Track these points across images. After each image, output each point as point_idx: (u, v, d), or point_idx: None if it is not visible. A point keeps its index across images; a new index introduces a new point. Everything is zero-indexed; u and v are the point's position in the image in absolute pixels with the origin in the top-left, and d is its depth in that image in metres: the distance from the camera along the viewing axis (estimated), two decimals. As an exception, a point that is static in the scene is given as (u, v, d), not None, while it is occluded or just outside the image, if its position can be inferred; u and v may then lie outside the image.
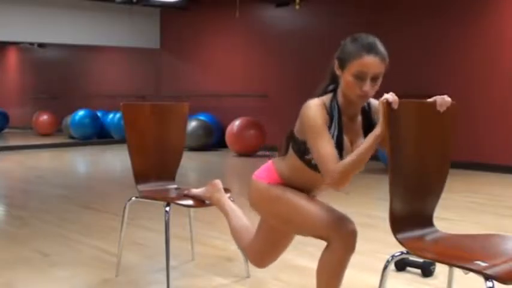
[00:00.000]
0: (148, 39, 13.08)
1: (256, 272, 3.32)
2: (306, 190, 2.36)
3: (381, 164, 7.58)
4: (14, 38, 12.59)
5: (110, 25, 12.49)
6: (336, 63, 2.18)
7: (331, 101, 2.19)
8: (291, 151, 2.31)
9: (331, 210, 2.22)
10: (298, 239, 3.25)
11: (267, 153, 9.89)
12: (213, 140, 10.87)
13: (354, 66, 2.10)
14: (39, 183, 7.23)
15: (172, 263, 3.47)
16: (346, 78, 2.13)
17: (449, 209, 5.00)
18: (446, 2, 8.21)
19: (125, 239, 3.33)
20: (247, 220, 2.76)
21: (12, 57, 19.63)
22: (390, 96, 1.97)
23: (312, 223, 2.21)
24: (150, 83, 13.58)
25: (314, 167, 2.24)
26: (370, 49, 2.10)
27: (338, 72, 2.18)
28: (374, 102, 2.26)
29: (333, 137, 2.15)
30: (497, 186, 6.66)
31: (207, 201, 2.99)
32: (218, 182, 2.98)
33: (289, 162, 2.33)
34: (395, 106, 1.96)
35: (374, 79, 2.11)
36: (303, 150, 2.24)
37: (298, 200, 2.27)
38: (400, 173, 2.04)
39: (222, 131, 10.97)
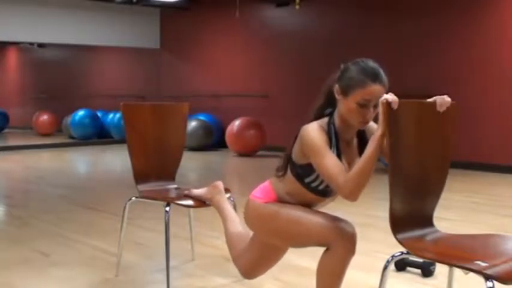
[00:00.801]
0: (148, 39, 13.08)
1: (256, 272, 3.32)
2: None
3: (380, 164, 7.58)
4: (14, 38, 12.59)
5: (110, 25, 12.49)
6: (338, 88, 2.16)
7: (328, 124, 2.19)
8: (289, 174, 2.30)
9: (328, 217, 2.21)
10: (298, 239, 3.23)
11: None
12: (213, 140, 10.87)
13: (358, 95, 2.10)
14: (39, 183, 7.23)
15: (172, 263, 3.47)
16: (348, 105, 2.13)
17: (449, 209, 5.00)
18: (446, 2, 8.21)
19: (125, 239, 3.33)
20: (243, 229, 2.74)
21: (12, 57, 19.63)
22: (390, 97, 1.97)
23: (311, 232, 2.20)
24: (150, 83, 13.58)
25: (314, 190, 2.26)
26: (375, 78, 2.10)
27: (338, 97, 2.17)
28: (372, 125, 2.26)
29: None
30: (497, 186, 6.66)
31: (207, 202, 2.99)
32: (220, 184, 2.98)
33: (288, 185, 2.33)
34: (395, 106, 1.96)
35: (376, 106, 2.10)
36: (301, 174, 2.25)
37: (296, 212, 2.27)
38: (400, 173, 2.04)
39: (222, 131, 10.97)
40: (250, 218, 2.44)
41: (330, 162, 2.10)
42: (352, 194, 2.07)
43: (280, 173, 2.34)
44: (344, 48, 9.00)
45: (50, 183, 7.24)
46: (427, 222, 2.17)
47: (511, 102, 7.58)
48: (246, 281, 3.21)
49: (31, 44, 16.53)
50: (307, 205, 2.33)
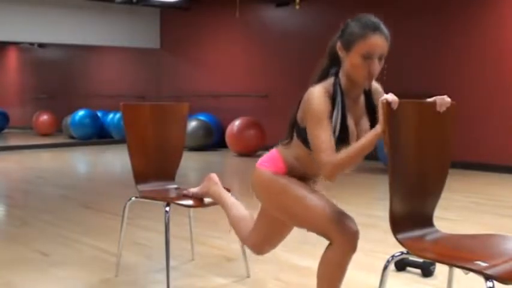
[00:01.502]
0: (148, 39, 13.08)
1: (256, 272, 3.32)
2: (312, 178, 2.35)
3: (380, 164, 7.57)
4: (14, 38, 12.59)
5: (110, 25, 12.49)
6: (340, 45, 2.14)
7: (334, 85, 2.16)
8: (296, 140, 2.27)
9: (335, 209, 2.19)
10: (298, 239, 3.24)
11: None
12: (213, 140, 10.87)
13: (361, 47, 2.07)
14: (39, 183, 7.23)
15: (172, 263, 3.47)
16: (352, 59, 2.10)
17: (449, 209, 5.00)
18: (446, 2, 8.21)
19: (125, 239, 3.33)
20: (245, 210, 2.73)
21: (12, 57, 19.63)
22: (390, 97, 1.97)
23: (316, 220, 2.18)
24: (150, 83, 13.58)
25: None
26: (376, 28, 2.09)
27: (341, 54, 2.15)
28: (374, 85, 2.25)
29: (337, 120, 2.13)
30: (497, 186, 6.66)
31: (205, 199, 2.97)
32: (214, 176, 2.97)
33: (295, 151, 2.29)
34: (394, 106, 1.96)
35: (380, 59, 2.10)
36: (307, 137, 2.19)
37: (304, 194, 2.23)
38: (400, 173, 2.04)
39: (222, 131, 10.97)
40: (257, 187, 2.39)
41: (322, 135, 2.09)
42: (331, 176, 2.08)
43: (286, 141, 2.31)
44: (344, 48, 8.98)
45: (50, 183, 7.24)
46: (427, 222, 2.17)
47: (511, 103, 7.58)
48: (247, 281, 3.22)
49: (31, 44, 16.53)
50: (314, 171, 2.27)
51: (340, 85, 2.16)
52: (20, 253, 3.80)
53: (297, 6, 9.06)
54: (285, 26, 10.59)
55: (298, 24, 10.37)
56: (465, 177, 7.17)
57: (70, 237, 4.24)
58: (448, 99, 2.09)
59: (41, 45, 17.02)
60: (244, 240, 2.66)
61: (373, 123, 2.19)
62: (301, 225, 2.30)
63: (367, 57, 2.08)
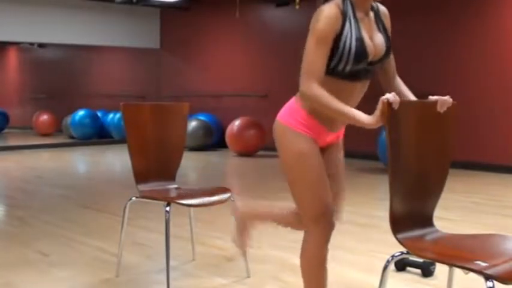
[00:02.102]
0: (148, 39, 13.08)
1: (256, 272, 3.33)
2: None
3: (381, 164, 7.58)
4: (14, 38, 12.58)
5: (110, 25, 12.49)
6: None
7: (343, 0, 2.16)
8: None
9: (325, 203, 2.24)
10: (298, 239, 3.24)
11: None
12: (213, 140, 10.88)
13: None
14: (39, 183, 7.23)
15: (172, 263, 3.47)
16: None
17: (449, 209, 5.00)
18: (447, 2, 8.21)
19: (125, 239, 3.33)
20: (277, 205, 2.65)
21: (12, 57, 19.64)
22: (391, 97, 1.96)
23: (304, 205, 2.26)
24: (150, 83, 13.59)
25: (342, 75, 2.16)
26: None
27: None
28: (382, 8, 2.29)
29: (350, 32, 2.12)
30: (497, 186, 6.66)
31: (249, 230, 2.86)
32: (235, 206, 2.84)
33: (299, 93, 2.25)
34: (395, 106, 1.96)
35: None
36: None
37: (311, 179, 2.23)
38: (400, 173, 2.04)
39: (222, 131, 10.98)
40: (277, 141, 2.34)
41: (314, 56, 2.11)
42: (305, 97, 2.14)
43: None
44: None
45: (50, 183, 7.24)
46: (427, 222, 2.17)
47: (511, 102, 7.58)
48: (247, 280, 3.22)
49: (31, 44, 16.53)
50: (343, 102, 2.14)
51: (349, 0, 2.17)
52: (20, 253, 3.80)
53: (297, 6, 9.06)
54: (285, 26, 10.59)
55: (298, 24, 10.37)
56: (465, 177, 7.17)
57: (70, 237, 4.24)
58: (450, 100, 2.10)
59: (41, 45, 17.02)
60: (301, 223, 2.41)
61: (387, 41, 2.22)
62: (293, 195, 2.31)
63: None
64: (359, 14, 2.17)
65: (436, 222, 2.21)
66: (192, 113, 10.65)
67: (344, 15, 2.13)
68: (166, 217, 2.93)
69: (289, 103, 2.36)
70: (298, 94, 2.30)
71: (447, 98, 2.10)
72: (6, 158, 10.20)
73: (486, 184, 6.79)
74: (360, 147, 8.32)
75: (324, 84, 2.16)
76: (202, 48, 12.19)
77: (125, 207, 3.20)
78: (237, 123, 9.97)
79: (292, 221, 2.51)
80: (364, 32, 2.16)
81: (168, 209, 2.93)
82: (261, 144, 9.98)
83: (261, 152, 10.09)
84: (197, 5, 11.97)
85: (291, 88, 10.92)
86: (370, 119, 2.00)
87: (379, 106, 1.97)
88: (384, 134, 2.04)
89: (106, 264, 3.52)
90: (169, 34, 13.06)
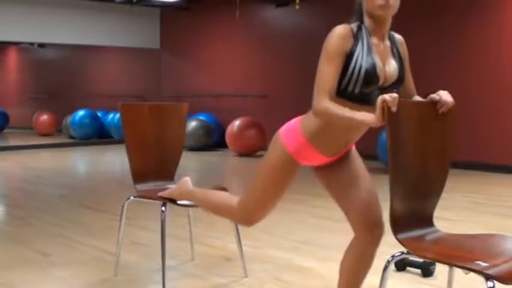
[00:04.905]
0: (148, 39, 13.08)
1: (256, 272, 3.32)
2: (343, 139, 2.30)
3: (381, 164, 7.57)
4: (14, 38, 12.59)
5: (110, 25, 12.49)
6: None
7: (358, 25, 2.20)
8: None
9: (262, 211, 2.43)
10: (298, 238, 3.24)
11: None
12: (213, 140, 10.87)
13: None
14: (39, 183, 7.22)
15: (171, 262, 3.47)
16: None
17: (449, 209, 5.00)
18: (447, 2, 8.20)
19: (124, 239, 3.33)
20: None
21: (12, 57, 19.63)
22: (389, 98, 1.95)
23: (252, 195, 2.42)
24: (150, 83, 13.58)
25: (351, 96, 2.17)
26: None
27: None
28: (398, 36, 2.33)
29: (360, 55, 2.14)
30: (497, 186, 6.65)
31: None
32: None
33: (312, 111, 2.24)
34: (394, 109, 1.95)
35: None
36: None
37: (272, 185, 2.37)
38: (400, 173, 2.03)
39: (222, 131, 10.97)
40: (270, 146, 2.42)
41: (327, 73, 2.12)
42: (318, 114, 2.15)
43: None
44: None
45: (50, 183, 7.24)
46: (427, 222, 2.17)
47: (511, 102, 7.57)
48: (246, 280, 3.21)
49: (31, 44, 16.52)
50: (348, 129, 2.25)
51: (364, 25, 2.20)
52: (20, 253, 3.80)
53: (297, 6, 9.06)
54: (285, 26, 10.59)
55: (298, 24, 10.37)
56: (465, 177, 7.16)
57: (70, 237, 4.24)
58: (451, 100, 2.09)
59: (41, 45, 17.01)
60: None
61: (401, 69, 2.24)
62: (251, 184, 2.44)
63: None
64: (373, 40, 2.20)
65: (436, 222, 2.21)
66: (192, 113, 10.65)
67: (356, 37, 2.16)
68: (162, 217, 2.93)
69: (294, 122, 2.36)
70: (305, 116, 2.33)
71: (447, 96, 2.09)
72: (6, 158, 10.20)
73: (486, 184, 6.78)
74: (360, 147, 8.30)
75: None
76: (202, 48, 12.19)
77: (123, 207, 3.20)
78: (237, 123, 9.96)
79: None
80: (376, 56, 2.17)
81: (163, 208, 2.93)
82: (261, 144, 9.97)
83: (261, 152, 10.09)
84: (197, 5, 11.96)
85: (291, 88, 10.96)
86: (373, 118, 2.00)
87: (379, 105, 1.97)
88: (384, 134, 2.04)
89: (106, 263, 3.51)
90: (169, 34, 13.06)
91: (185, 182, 2.90)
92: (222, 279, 3.25)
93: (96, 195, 6.34)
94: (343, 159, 2.41)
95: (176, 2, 11.86)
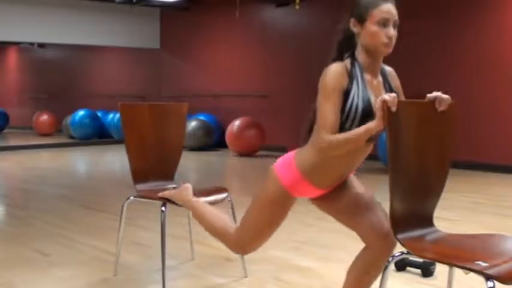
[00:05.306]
0: (148, 39, 13.08)
1: (256, 272, 3.32)
2: (341, 171, 2.29)
3: (381, 164, 7.57)
4: (14, 38, 12.58)
5: (110, 25, 12.49)
6: (354, 21, 2.19)
7: (352, 62, 2.19)
8: (315, 135, 2.22)
9: (257, 243, 2.49)
10: (298, 239, 3.24)
11: None
12: (213, 140, 10.87)
13: (376, 15, 2.14)
14: (39, 183, 7.22)
15: (171, 262, 3.47)
16: (369, 29, 2.15)
17: (449, 209, 5.00)
18: (447, 2, 8.20)
19: (124, 239, 3.33)
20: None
21: (12, 57, 19.63)
22: (389, 98, 1.95)
23: (248, 225, 2.45)
24: (150, 83, 13.58)
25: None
26: None
27: (356, 29, 2.18)
28: (388, 68, 2.32)
29: (356, 94, 2.14)
30: (497, 186, 6.65)
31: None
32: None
33: (316, 149, 2.22)
34: (393, 109, 1.95)
35: (394, 26, 2.17)
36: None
37: (268, 219, 2.39)
38: (400, 173, 2.03)
39: (222, 131, 10.97)
40: (264, 179, 2.39)
41: (328, 111, 2.12)
42: (325, 150, 2.15)
43: (305, 137, 2.30)
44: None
45: (50, 183, 7.24)
46: (427, 222, 2.17)
47: (511, 102, 7.57)
48: (246, 280, 3.21)
49: (31, 44, 16.52)
50: (341, 162, 2.24)
51: (357, 61, 2.20)
52: (20, 253, 3.80)
53: (297, 7, 9.06)
54: (285, 26, 10.59)
55: (298, 24, 10.37)
56: (465, 177, 7.17)
57: (70, 237, 4.24)
58: (447, 97, 2.10)
59: (41, 45, 17.01)
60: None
61: None
62: (248, 212, 2.45)
63: (383, 24, 2.14)
64: (367, 76, 2.20)
65: (436, 222, 2.21)
66: (192, 113, 10.65)
67: (351, 74, 2.16)
68: (162, 217, 2.92)
69: (288, 156, 2.35)
70: (300, 149, 2.33)
71: (443, 95, 2.10)
72: (6, 158, 10.20)
73: (486, 184, 6.78)
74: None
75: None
76: (202, 48, 12.19)
77: (123, 207, 3.20)
78: (237, 123, 9.96)
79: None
80: (371, 93, 2.18)
81: (163, 208, 2.93)
82: (260, 144, 9.98)
83: (261, 152, 10.09)
84: (197, 5, 11.96)
85: (291, 88, 10.94)
86: (375, 123, 2.01)
87: (379, 106, 1.97)
88: (384, 134, 2.04)
89: (106, 263, 3.51)
90: (169, 34, 13.06)
91: (186, 188, 2.87)
92: (222, 279, 3.25)
93: (96, 195, 6.34)
94: (339, 185, 2.39)
95: (176, 2, 11.85)
